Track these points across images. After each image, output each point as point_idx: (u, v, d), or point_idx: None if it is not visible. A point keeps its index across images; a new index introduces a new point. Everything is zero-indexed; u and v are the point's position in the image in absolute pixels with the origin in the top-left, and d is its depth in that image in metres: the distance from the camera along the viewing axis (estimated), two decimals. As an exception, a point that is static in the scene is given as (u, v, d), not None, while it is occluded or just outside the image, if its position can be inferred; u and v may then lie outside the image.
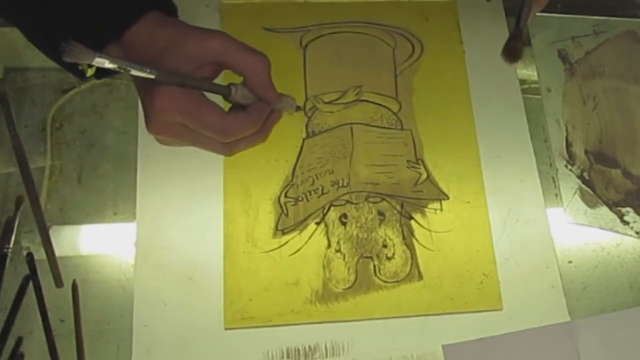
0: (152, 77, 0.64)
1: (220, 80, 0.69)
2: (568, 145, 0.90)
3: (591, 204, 0.88)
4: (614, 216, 0.87)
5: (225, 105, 0.69)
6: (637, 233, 0.86)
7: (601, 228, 0.87)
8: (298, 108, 0.76)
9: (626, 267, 0.85)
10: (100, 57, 0.61)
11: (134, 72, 0.64)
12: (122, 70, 0.64)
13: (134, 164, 0.83)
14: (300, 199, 0.83)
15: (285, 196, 0.83)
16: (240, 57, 0.69)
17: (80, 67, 0.65)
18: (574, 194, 0.88)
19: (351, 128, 0.87)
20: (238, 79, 0.68)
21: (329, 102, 0.88)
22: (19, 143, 0.83)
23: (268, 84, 0.70)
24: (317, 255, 0.81)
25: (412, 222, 0.83)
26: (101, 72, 0.67)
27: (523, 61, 0.94)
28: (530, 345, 0.78)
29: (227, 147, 0.71)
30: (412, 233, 0.83)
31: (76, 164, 0.84)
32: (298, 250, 0.81)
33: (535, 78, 0.94)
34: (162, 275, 0.79)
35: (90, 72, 0.65)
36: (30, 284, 0.78)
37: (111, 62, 0.62)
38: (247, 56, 0.69)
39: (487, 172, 0.86)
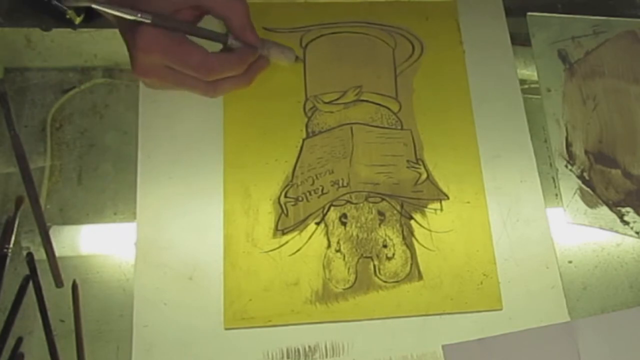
0: (148, 21, 0.66)
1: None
2: (568, 145, 0.90)
3: (591, 204, 0.88)
4: (614, 216, 0.87)
5: None
6: (637, 233, 0.86)
7: (601, 228, 0.87)
8: (297, 58, 0.79)
9: (626, 267, 0.86)
10: (96, 3, 0.64)
11: (128, 17, 0.66)
12: (115, 14, 0.65)
13: (134, 164, 0.83)
14: (300, 199, 0.83)
15: (285, 196, 0.83)
16: (220, 3, 0.71)
17: (68, 16, 0.67)
18: (574, 194, 0.88)
19: (351, 128, 0.87)
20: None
21: (329, 102, 0.88)
22: (19, 143, 0.83)
23: (247, 26, 0.74)
24: (317, 255, 0.81)
25: (412, 222, 0.83)
26: (88, 18, 0.68)
27: (523, 61, 0.95)
28: (530, 345, 0.78)
29: (211, 87, 0.75)
30: (412, 233, 0.83)
31: (76, 164, 0.84)
32: (298, 250, 0.81)
33: (535, 78, 0.94)
34: (162, 275, 0.79)
35: (78, 20, 0.66)
36: (30, 284, 0.78)
37: (108, 7, 0.64)
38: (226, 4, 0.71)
39: (487, 172, 0.86)
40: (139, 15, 0.68)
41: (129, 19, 0.68)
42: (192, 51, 0.72)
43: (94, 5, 0.66)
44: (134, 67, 0.72)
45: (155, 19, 0.68)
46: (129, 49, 0.71)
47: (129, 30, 0.70)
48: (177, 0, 0.71)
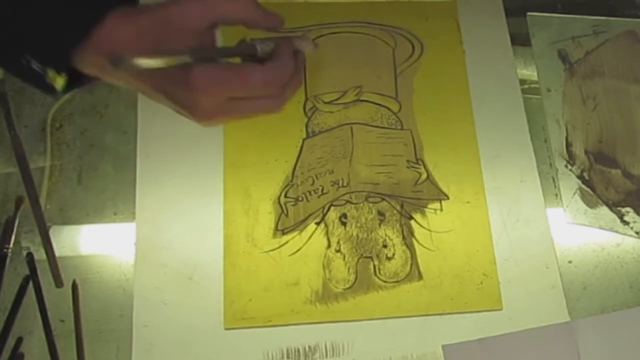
0: (188, 59, 0.62)
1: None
2: (568, 145, 0.90)
3: (591, 204, 0.88)
4: (614, 216, 0.87)
5: None
6: (637, 233, 0.86)
7: (601, 228, 0.87)
8: (316, 45, 0.76)
9: (626, 267, 0.85)
10: (141, 56, 0.60)
11: (171, 62, 0.62)
12: (160, 63, 0.61)
13: (133, 164, 0.83)
14: (300, 199, 0.83)
15: (285, 196, 0.83)
16: (227, 6, 0.68)
17: (47, 81, 0.62)
18: (574, 194, 0.88)
19: (351, 128, 0.87)
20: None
21: (329, 102, 0.88)
22: (19, 143, 0.83)
23: (264, 13, 0.70)
24: (317, 255, 0.81)
25: (412, 222, 0.83)
26: (71, 85, 0.65)
27: (523, 61, 0.95)
28: (530, 345, 0.78)
29: (278, 100, 0.70)
30: (412, 233, 0.83)
31: (76, 164, 0.84)
32: (298, 250, 0.81)
33: (535, 78, 0.94)
34: (162, 275, 0.79)
35: (59, 84, 0.63)
36: (30, 284, 0.78)
37: (152, 57, 0.61)
38: (231, 2, 0.68)
39: (487, 172, 0.86)
40: (181, 54, 0.63)
41: (173, 65, 0.63)
42: (250, 71, 0.67)
43: (140, 62, 0.61)
44: (197, 114, 0.67)
45: (195, 54, 0.63)
46: (180, 103, 0.66)
47: (173, 85, 0.66)
48: (194, 28, 0.67)
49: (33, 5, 0.61)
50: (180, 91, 0.65)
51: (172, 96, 0.66)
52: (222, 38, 0.74)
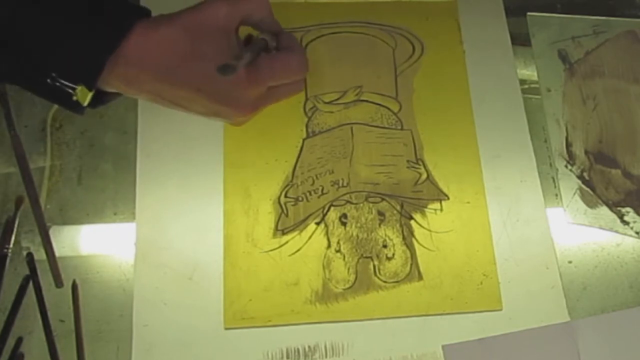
0: (234, 67, 0.64)
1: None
2: (568, 145, 0.90)
3: (591, 204, 0.88)
4: (614, 216, 0.87)
5: None
6: (637, 233, 0.86)
7: (601, 228, 0.87)
8: None
9: (626, 267, 0.85)
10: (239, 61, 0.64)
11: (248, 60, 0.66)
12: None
13: (133, 164, 0.83)
14: (300, 199, 0.83)
15: (285, 196, 0.83)
16: (250, 4, 0.70)
17: (75, 98, 0.63)
18: (574, 194, 0.88)
19: (351, 128, 0.87)
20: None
21: (329, 102, 0.88)
22: (19, 143, 0.83)
23: (276, 22, 0.75)
24: (317, 255, 0.81)
25: (412, 222, 0.83)
26: (96, 102, 0.66)
27: (523, 61, 0.95)
28: (530, 345, 0.78)
29: (301, 83, 0.78)
30: (412, 233, 0.83)
31: (76, 164, 0.84)
32: (298, 250, 0.81)
33: (535, 78, 0.94)
34: (162, 275, 0.79)
35: (86, 100, 0.64)
36: (30, 284, 0.78)
37: (241, 61, 0.65)
38: (252, 1, 0.71)
39: (487, 172, 0.86)
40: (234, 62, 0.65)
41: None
42: (287, 58, 0.73)
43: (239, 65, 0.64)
44: (240, 109, 0.71)
45: (236, 62, 0.65)
46: (221, 102, 0.70)
47: (221, 83, 0.67)
48: (224, 27, 0.68)
49: (57, 23, 0.61)
50: (226, 88, 0.68)
51: (214, 96, 0.69)
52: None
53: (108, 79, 0.64)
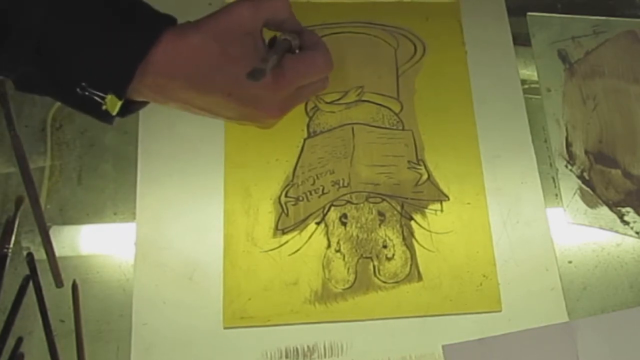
0: (263, 73, 0.64)
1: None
2: (568, 145, 0.90)
3: (591, 204, 0.88)
4: (614, 216, 0.87)
5: None
6: (637, 233, 0.86)
7: (601, 228, 0.87)
8: None
9: (626, 267, 0.85)
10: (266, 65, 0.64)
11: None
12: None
13: (134, 164, 0.83)
14: (300, 198, 0.83)
15: (286, 196, 0.83)
16: (272, 4, 0.70)
17: (104, 108, 0.62)
18: (574, 194, 0.88)
19: (352, 128, 0.87)
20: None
21: (331, 102, 0.88)
22: (19, 143, 0.83)
23: (297, 21, 0.75)
24: (317, 255, 0.81)
25: (412, 222, 0.83)
26: (125, 111, 0.66)
27: (523, 61, 0.95)
28: (530, 345, 0.78)
29: (327, 79, 0.77)
30: (412, 234, 0.82)
31: (76, 164, 0.84)
32: (298, 250, 0.81)
33: (536, 78, 0.94)
34: (162, 275, 0.79)
35: (115, 110, 0.63)
36: (30, 284, 0.78)
37: (268, 63, 0.65)
38: (270, 1, 0.71)
39: (488, 173, 0.86)
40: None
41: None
42: (313, 57, 0.72)
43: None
44: (270, 111, 0.71)
45: (263, 67, 0.65)
46: (250, 105, 0.70)
47: (249, 87, 0.67)
48: (249, 29, 0.68)
49: (87, 31, 0.61)
50: (256, 92, 0.68)
51: (244, 100, 0.69)
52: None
53: (138, 88, 0.64)
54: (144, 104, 0.68)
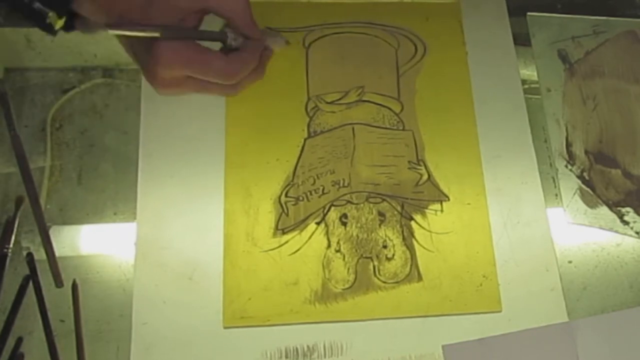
0: (157, 35, 0.67)
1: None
2: (568, 145, 0.90)
3: (591, 204, 0.88)
4: (614, 216, 0.87)
5: None
6: (637, 233, 0.86)
7: (601, 228, 0.87)
8: (287, 42, 0.86)
9: (626, 267, 0.86)
10: (110, 28, 0.67)
11: (139, 34, 0.67)
12: (129, 34, 0.67)
13: (134, 164, 0.83)
14: (300, 198, 0.83)
15: (286, 196, 0.83)
16: (221, 1, 0.73)
17: (48, 21, 0.65)
18: (574, 194, 0.88)
19: (353, 128, 0.86)
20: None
21: (331, 102, 0.88)
22: (19, 143, 0.83)
23: (251, 21, 0.76)
24: (317, 255, 0.81)
25: (413, 223, 0.83)
26: (69, 26, 0.68)
27: (523, 61, 0.95)
28: (529, 345, 0.78)
29: (233, 88, 0.78)
30: (412, 234, 0.82)
31: (76, 164, 0.84)
32: (298, 250, 0.81)
33: (535, 78, 0.94)
34: (162, 274, 0.79)
35: (58, 25, 0.66)
36: (30, 284, 0.78)
37: (120, 29, 0.68)
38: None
39: (488, 173, 0.86)
40: (151, 29, 0.69)
41: (141, 36, 0.69)
42: (212, 58, 0.74)
43: (110, 31, 0.67)
44: (155, 81, 0.73)
45: (165, 32, 0.69)
46: (144, 65, 0.72)
47: (143, 50, 0.71)
48: (183, 7, 0.72)
49: None
50: (145, 58, 0.70)
51: (139, 59, 0.72)
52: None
53: (79, 9, 0.67)
54: (92, 25, 0.70)
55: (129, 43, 0.74)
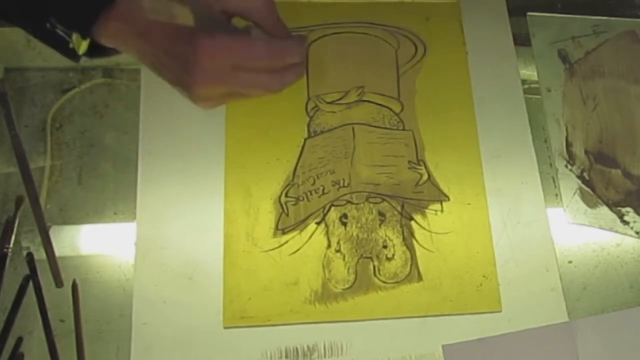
0: (190, 22, 0.65)
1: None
2: (568, 145, 0.90)
3: (591, 204, 0.88)
4: (614, 216, 0.87)
5: None
6: (637, 233, 0.86)
7: (601, 228, 0.87)
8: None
9: (626, 267, 0.86)
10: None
11: (179, 21, 0.65)
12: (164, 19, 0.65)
13: (134, 164, 0.83)
14: (301, 198, 0.83)
15: (286, 196, 0.83)
16: (243, 3, 0.71)
17: (71, 45, 0.65)
18: (574, 194, 0.88)
19: (353, 128, 0.86)
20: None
21: (331, 102, 0.88)
22: (19, 143, 0.83)
23: (278, 25, 0.73)
24: (317, 255, 0.81)
25: (413, 223, 0.83)
26: (94, 52, 0.67)
27: (523, 61, 0.95)
28: (529, 345, 0.78)
29: (278, 78, 0.72)
30: (412, 234, 0.82)
31: (76, 164, 0.84)
32: (298, 250, 0.81)
33: (535, 78, 0.94)
34: (162, 274, 0.79)
35: (82, 49, 0.65)
36: (30, 284, 0.78)
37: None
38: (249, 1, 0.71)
39: (488, 173, 0.86)
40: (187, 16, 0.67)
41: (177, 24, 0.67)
42: (253, 40, 0.71)
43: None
44: (198, 81, 0.68)
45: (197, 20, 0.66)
46: (185, 67, 0.68)
47: (181, 46, 0.68)
48: (206, 2, 0.70)
49: None
50: (185, 54, 0.67)
51: (176, 60, 0.68)
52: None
53: (101, 31, 0.65)
54: (111, 51, 0.69)
55: (165, 44, 0.68)
